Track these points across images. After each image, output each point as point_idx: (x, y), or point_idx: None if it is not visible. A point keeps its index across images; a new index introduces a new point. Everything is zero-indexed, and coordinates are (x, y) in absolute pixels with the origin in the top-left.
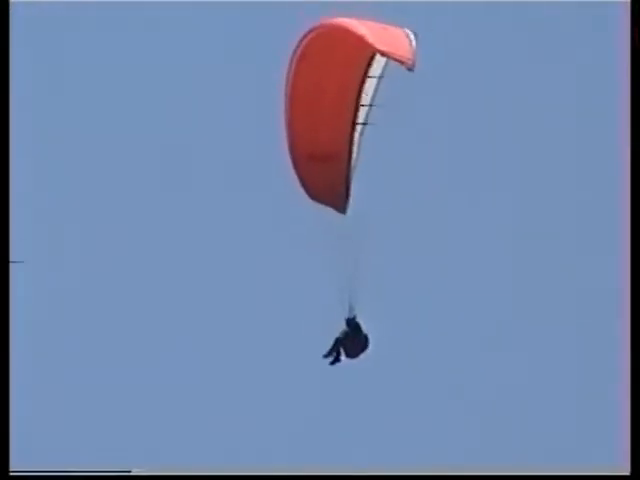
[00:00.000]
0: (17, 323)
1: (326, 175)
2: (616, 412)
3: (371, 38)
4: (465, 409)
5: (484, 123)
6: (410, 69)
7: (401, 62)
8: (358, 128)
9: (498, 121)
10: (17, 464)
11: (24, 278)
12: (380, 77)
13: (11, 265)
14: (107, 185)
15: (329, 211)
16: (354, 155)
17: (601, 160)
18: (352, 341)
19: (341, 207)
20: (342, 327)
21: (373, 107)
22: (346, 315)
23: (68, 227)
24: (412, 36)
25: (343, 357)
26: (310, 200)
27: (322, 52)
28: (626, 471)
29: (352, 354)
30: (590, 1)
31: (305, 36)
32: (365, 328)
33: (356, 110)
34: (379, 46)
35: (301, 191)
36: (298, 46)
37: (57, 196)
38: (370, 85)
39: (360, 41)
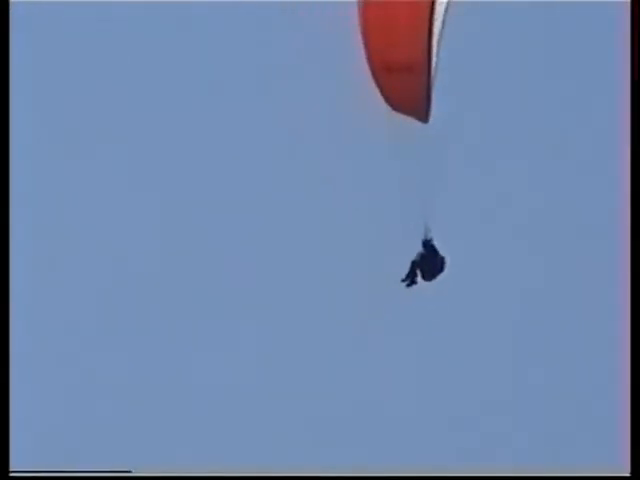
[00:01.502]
0: (17, 323)
1: (406, 85)
2: (616, 412)
3: None
4: (465, 409)
5: (484, 123)
6: None
7: None
8: (435, 37)
9: (498, 121)
10: (17, 464)
11: (24, 278)
12: None
13: (11, 265)
14: (107, 185)
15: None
16: (433, 64)
17: (601, 160)
18: (429, 263)
19: (423, 115)
20: (419, 249)
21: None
22: (422, 237)
23: (68, 228)
24: None
25: (419, 279)
26: (392, 111)
27: None
28: (626, 471)
29: (428, 277)
30: (590, 1)
31: None
32: (441, 251)
33: (431, 19)
34: None
35: (382, 102)
36: None
37: (57, 196)
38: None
39: None
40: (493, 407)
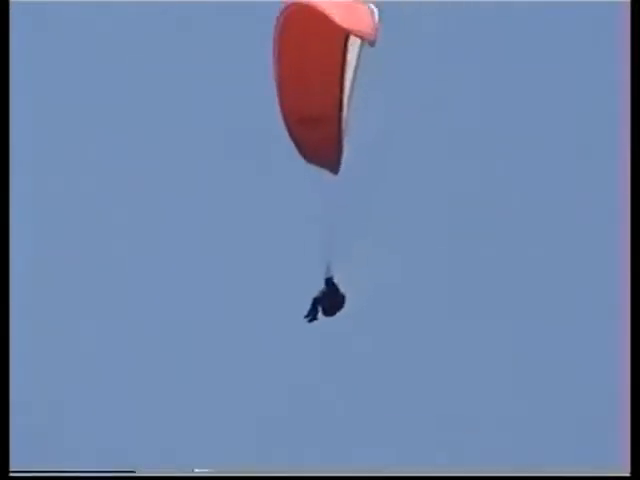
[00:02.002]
0: (17, 323)
1: (318, 137)
2: (616, 412)
3: (336, 17)
4: (464, 409)
5: (483, 122)
6: (372, 44)
7: (362, 38)
8: (346, 91)
9: (497, 121)
10: (17, 464)
11: (24, 278)
12: (361, 45)
13: (11, 265)
14: (107, 186)
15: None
16: (344, 117)
17: (601, 160)
18: (330, 300)
19: (334, 167)
20: (321, 287)
21: (359, 72)
22: (325, 275)
23: (68, 229)
24: (375, 11)
25: (320, 315)
26: (305, 162)
27: (302, 24)
28: (626, 471)
29: (330, 313)
30: (590, 1)
31: (284, 10)
32: (342, 288)
33: (342, 74)
34: (343, 24)
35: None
36: (279, 18)
37: (57, 197)
38: (353, 53)
39: (327, 19)
40: (493, 407)
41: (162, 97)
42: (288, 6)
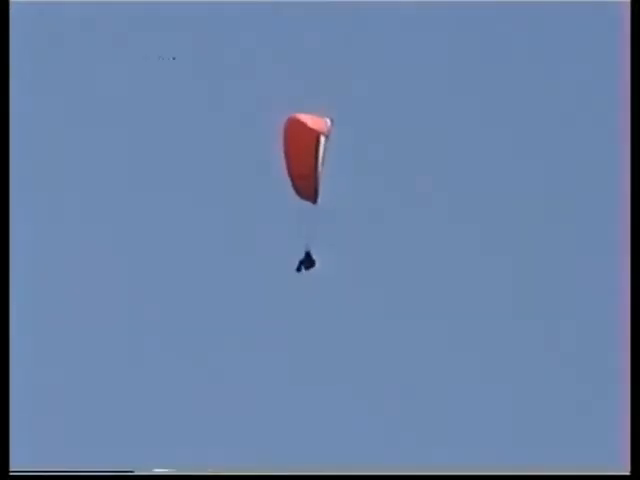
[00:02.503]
0: (17, 323)
1: (306, 184)
2: (616, 412)
3: (310, 124)
4: (464, 408)
5: (483, 122)
6: (327, 136)
7: (323, 134)
8: (319, 161)
9: (497, 121)
10: (17, 464)
11: (24, 278)
12: (327, 138)
13: (11, 264)
14: (107, 186)
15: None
16: (319, 173)
17: (601, 159)
18: (307, 262)
19: (314, 201)
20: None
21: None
22: (305, 249)
23: (67, 229)
24: (329, 121)
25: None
26: (298, 197)
27: (295, 129)
28: (626, 471)
29: (306, 269)
30: (590, 1)
31: (285, 122)
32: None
33: (316, 153)
34: (314, 127)
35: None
36: (284, 127)
37: (57, 197)
38: (324, 142)
39: (306, 125)
40: (493, 407)
41: (162, 96)
42: (288, 120)
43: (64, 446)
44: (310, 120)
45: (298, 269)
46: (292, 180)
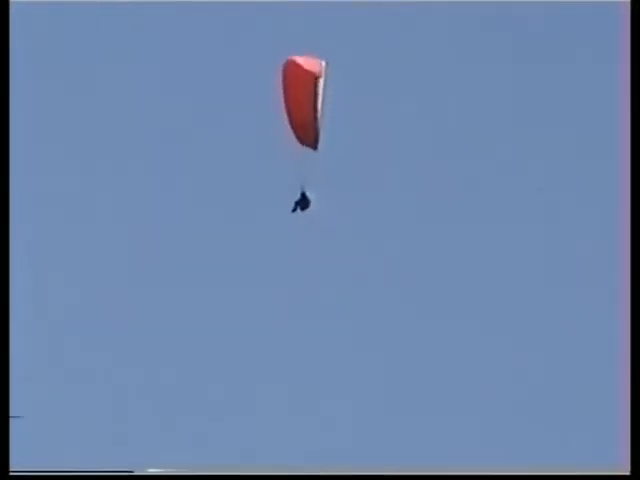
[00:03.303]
0: (17, 322)
1: (307, 131)
2: (616, 412)
3: (308, 67)
4: (464, 408)
5: (483, 122)
6: (317, 78)
7: (318, 74)
8: (318, 106)
9: (497, 120)
10: (17, 464)
11: (24, 279)
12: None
13: (11, 265)
14: (107, 186)
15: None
16: (319, 122)
17: (601, 159)
18: (302, 202)
19: (314, 147)
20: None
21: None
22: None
23: (67, 230)
24: (323, 63)
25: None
26: (300, 144)
27: (292, 73)
28: (626, 471)
29: (302, 209)
30: (590, 1)
31: (284, 65)
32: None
33: (316, 97)
34: (310, 69)
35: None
36: (282, 72)
37: (57, 197)
38: (321, 85)
39: (303, 68)
40: (493, 407)
41: (162, 97)
42: (285, 63)
43: (64, 446)
44: (306, 62)
45: (294, 210)
46: (292, 126)
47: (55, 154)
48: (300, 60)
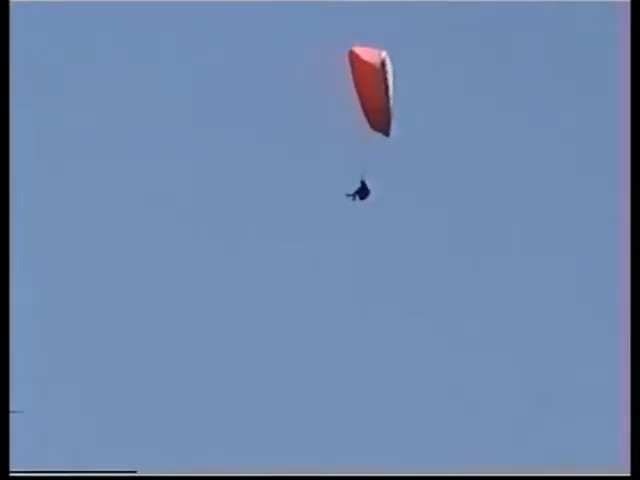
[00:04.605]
0: (17, 322)
1: (379, 117)
2: (616, 412)
3: (369, 59)
4: (464, 409)
5: (484, 122)
6: (377, 68)
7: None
8: (390, 93)
9: (497, 120)
10: (17, 464)
11: (24, 280)
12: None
13: (11, 265)
14: (107, 186)
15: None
16: (391, 106)
17: (601, 159)
18: (362, 191)
19: (387, 133)
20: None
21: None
22: (360, 178)
23: (67, 230)
24: (384, 53)
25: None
26: (372, 130)
27: (360, 61)
28: (626, 471)
29: (361, 198)
30: (590, 1)
31: (350, 53)
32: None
33: (387, 86)
34: (371, 61)
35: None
36: (349, 59)
37: (57, 198)
38: (389, 74)
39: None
40: (493, 407)
41: (162, 97)
42: (348, 53)
43: (64, 446)
44: (364, 52)
45: (353, 197)
46: (368, 114)
47: (55, 154)
48: (359, 50)
